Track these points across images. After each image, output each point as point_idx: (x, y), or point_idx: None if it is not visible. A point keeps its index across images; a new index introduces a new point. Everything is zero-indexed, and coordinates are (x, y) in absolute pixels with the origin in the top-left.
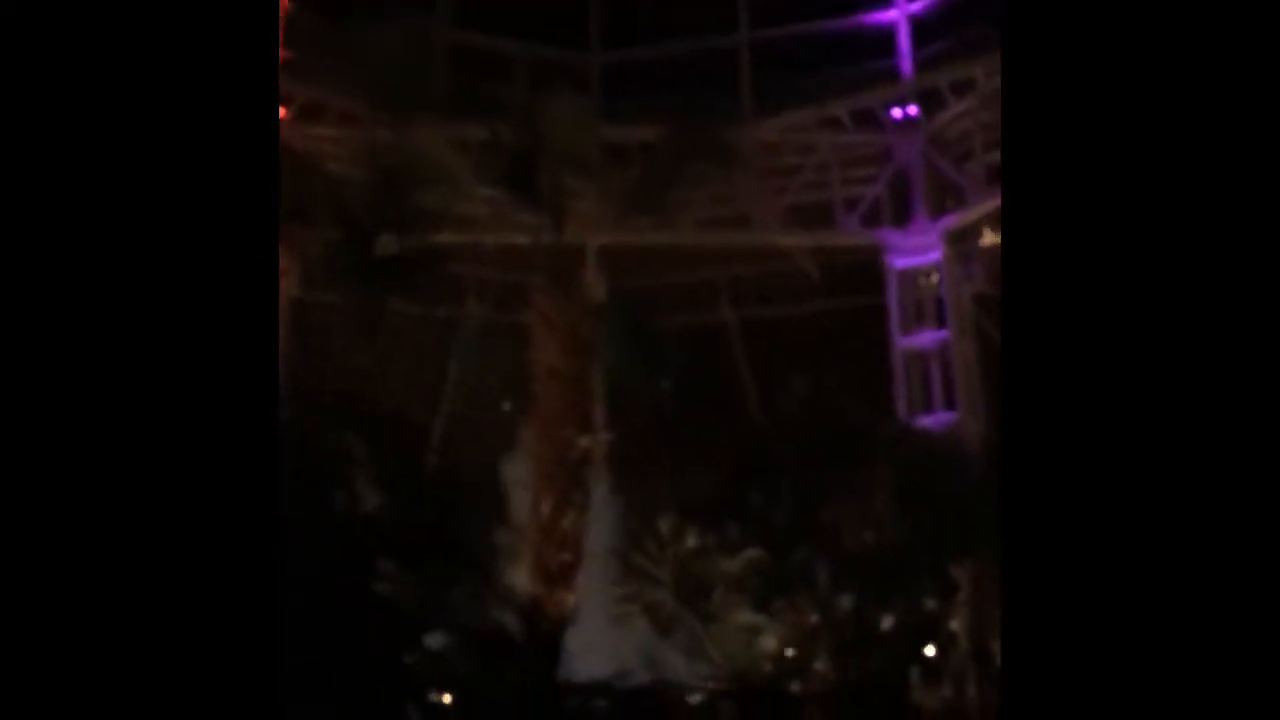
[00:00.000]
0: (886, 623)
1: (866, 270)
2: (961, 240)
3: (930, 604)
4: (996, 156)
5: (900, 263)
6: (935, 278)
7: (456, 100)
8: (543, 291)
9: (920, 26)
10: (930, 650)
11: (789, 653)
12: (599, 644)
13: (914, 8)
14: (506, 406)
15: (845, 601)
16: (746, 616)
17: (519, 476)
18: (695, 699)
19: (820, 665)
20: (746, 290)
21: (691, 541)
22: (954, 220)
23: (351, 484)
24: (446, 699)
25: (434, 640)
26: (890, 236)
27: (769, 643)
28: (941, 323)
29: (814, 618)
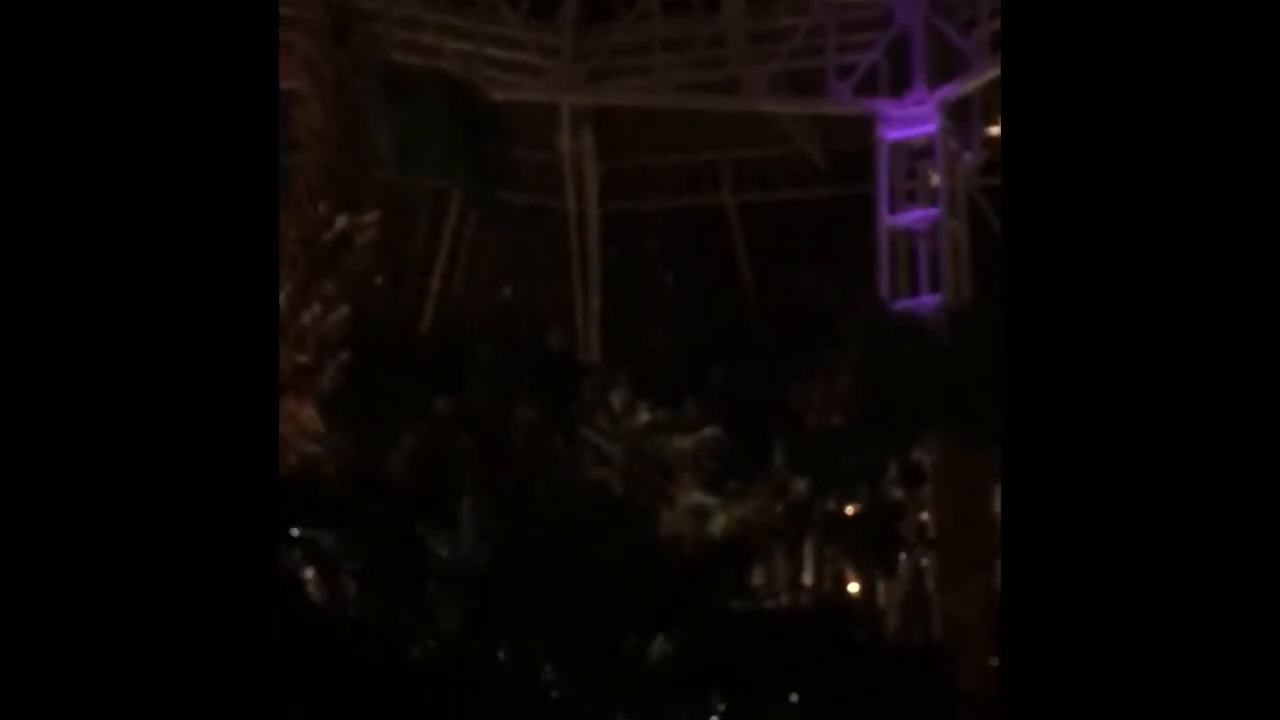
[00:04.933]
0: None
1: (870, 155)
2: (960, 112)
3: (895, 492)
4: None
5: (892, 135)
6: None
7: None
8: (310, 37)
9: None
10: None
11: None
12: None
13: None
14: None
15: (803, 485)
16: (698, 497)
17: None
18: None
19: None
20: (748, 173)
21: (645, 416)
22: (953, 90)
23: None
24: None
25: None
26: (884, 106)
27: (719, 524)
28: (934, 201)
29: (778, 507)
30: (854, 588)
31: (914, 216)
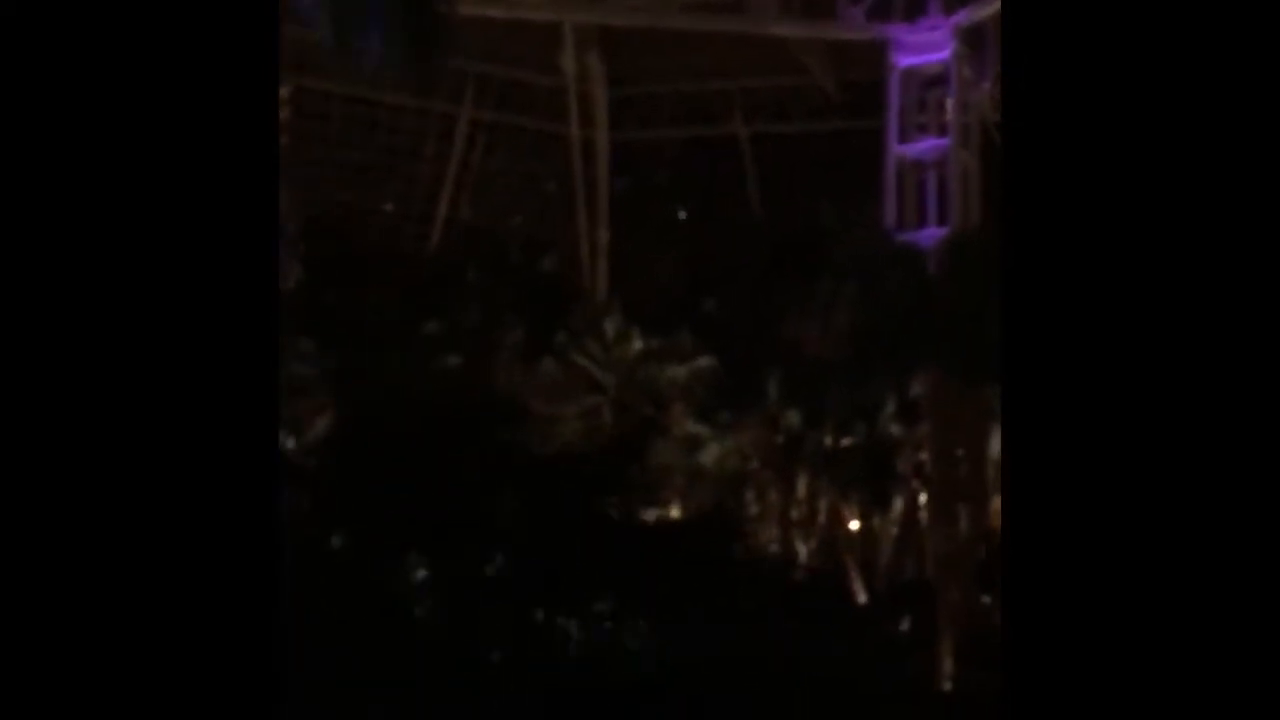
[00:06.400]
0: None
1: (883, 87)
2: (976, 39)
3: (893, 428)
4: None
5: (905, 61)
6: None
7: None
8: None
9: None
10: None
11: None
12: None
13: None
14: None
15: (794, 417)
16: (690, 427)
17: None
18: None
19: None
20: (761, 103)
21: (638, 344)
22: (968, 16)
23: None
24: None
25: None
26: (897, 32)
27: (710, 456)
28: (946, 132)
29: (779, 438)
30: (854, 525)
31: (924, 146)
